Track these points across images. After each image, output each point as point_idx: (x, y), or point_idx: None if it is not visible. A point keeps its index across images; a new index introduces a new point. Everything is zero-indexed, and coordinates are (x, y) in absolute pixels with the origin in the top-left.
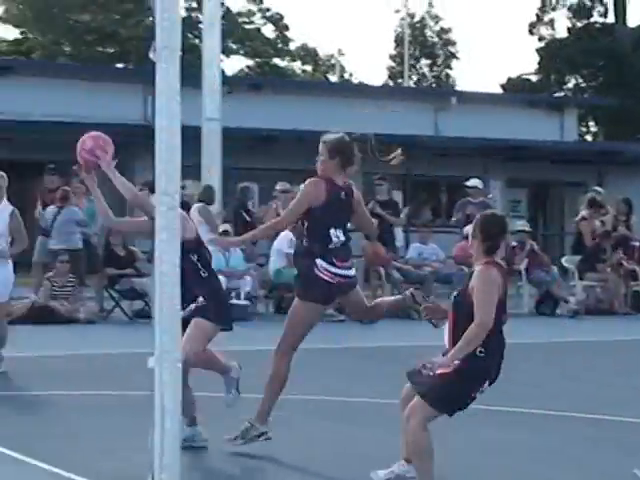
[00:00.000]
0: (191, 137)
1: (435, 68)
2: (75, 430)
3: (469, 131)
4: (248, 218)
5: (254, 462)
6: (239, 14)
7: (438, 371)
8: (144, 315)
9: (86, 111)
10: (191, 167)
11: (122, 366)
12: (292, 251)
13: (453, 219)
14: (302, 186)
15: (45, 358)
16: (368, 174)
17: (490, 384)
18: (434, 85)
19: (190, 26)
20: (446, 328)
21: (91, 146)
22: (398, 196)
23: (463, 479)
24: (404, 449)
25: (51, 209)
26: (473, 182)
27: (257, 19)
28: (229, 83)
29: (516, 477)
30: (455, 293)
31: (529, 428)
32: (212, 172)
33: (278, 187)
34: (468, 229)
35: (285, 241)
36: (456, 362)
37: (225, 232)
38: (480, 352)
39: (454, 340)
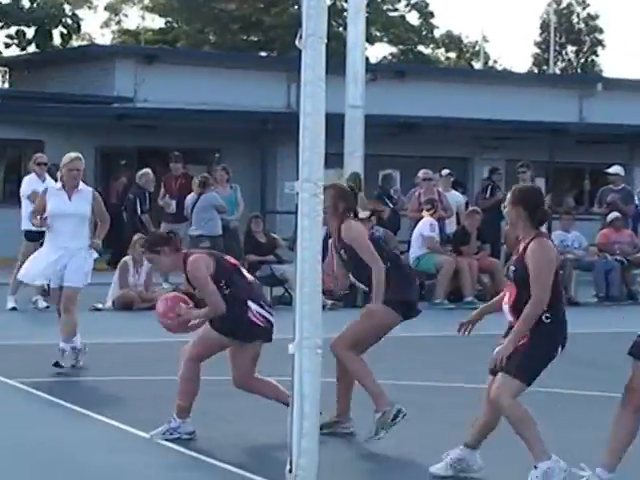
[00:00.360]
0: (334, 125)
1: (581, 55)
2: (215, 415)
3: (614, 118)
4: (391, 205)
5: (388, 448)
6: (384, 1)
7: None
8: (284, 302)
9: (230, 99)
10: (334, 155)
11: (263, 352)
12: (432, 235)
13: (595, 208)
14: (351, 234)
15: (185, 344)
16: (511, 161)
17: (562, 349)
18: (580, 72)
19: (335, 14)
20: (505, 302)
21: (163, 310)
22: (541, 183)
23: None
24: (470, 433)
25: (191, 196)
26: (614, 169)
27: (401, 6)
28: (373, 70)
29: None
30: (512, 267)
31: None
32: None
33: (421, 174)
34: (611, 216)
35: (427, 225)
36: (527, 334)
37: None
38: (547, 318)
39: (517, 310)
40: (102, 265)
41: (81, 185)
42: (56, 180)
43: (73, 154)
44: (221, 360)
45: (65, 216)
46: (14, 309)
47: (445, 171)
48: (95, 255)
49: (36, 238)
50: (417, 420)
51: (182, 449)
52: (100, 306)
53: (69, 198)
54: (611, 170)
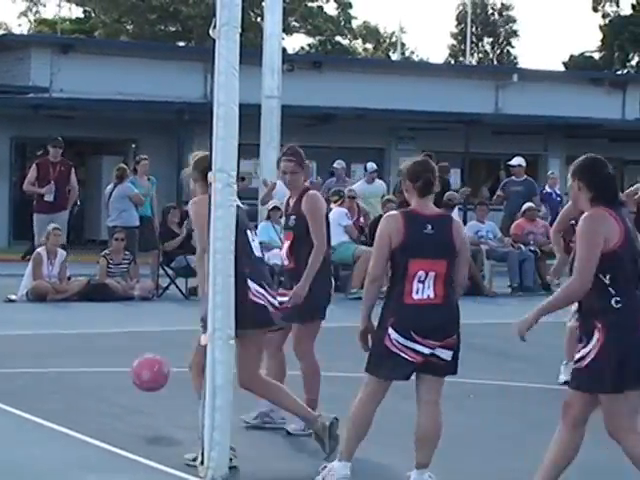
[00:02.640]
0: (250, 115)
1: (497, 46)
2: (126, 407)
3: (530, 109)
4: None
5: (299, 440)
6: None
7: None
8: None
9: (147, 89)
10: (250, 145)
11: (176, 343)
12: (350, 222)
13: (494, 197)
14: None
15: (100, 335)
16: (427, 152)
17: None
18: (496, 63)
19: (252, 4)
20: None
21: (149, 378)
22: (456, 174)
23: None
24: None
25: (110, 186)
26: (516, 160)
27: None
28: (290, 61)
29: None
30: None
31: None
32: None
33: (336, 165)
34: (525, 207)
35: (342, 215)
36: None
37: (276, 208)
38: None
39: None
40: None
41: None
42: None
43: None
44: (140, 350)
45: None
46: None
47: (370, 165)
48: None
49: None
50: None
51: (90, 440)
52: (13, 297)
53: None
54: (513, 162)
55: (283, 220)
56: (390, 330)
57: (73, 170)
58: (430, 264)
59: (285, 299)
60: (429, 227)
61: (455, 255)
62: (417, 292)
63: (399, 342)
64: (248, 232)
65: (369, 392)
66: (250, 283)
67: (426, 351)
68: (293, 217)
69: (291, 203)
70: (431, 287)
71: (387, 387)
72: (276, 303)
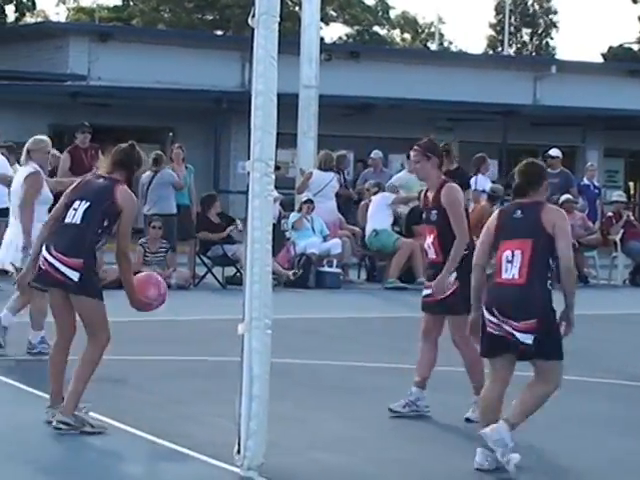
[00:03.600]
0: (288, 104)
1: (535, 37)
2: (164, 395)
3: (568, 100)
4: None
5: (337, 430)
6: None
7: None
8: (236, 282)
9: (184, 78)
10: (288, 135)
11: (213, 332)
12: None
13: None
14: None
15: (136, 323)
16: (465, 142)
17: None
18: (534, 54)
19: None
20: None
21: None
22: (494, 165)
23: (558, 449)
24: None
25: (146, 174)
26: (556, 152)
27: None
28: (327, 50)
29: (602, 448)
30: None
31: (615, 399)
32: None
33: (373, 155)
34: (563, 198)
35: (385, 197)
36: None
37: (308, 201)
38: None
39: None
40: None
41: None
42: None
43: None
44: (176, 339)
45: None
46: None
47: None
48: None
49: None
50: (366, 403)
51: (132, 430)
52: None
53: None
54: (553, 152)
55: (424, 214)
56: (484, 309)
57: (100, 152)
58: (516, 244)
59: (429, 291)
60: (519, 212)
61: (543, 235)
62: (506, 271)
63: (489, 320)
64: (75, 203)
65: (490, 374)
66: (43, 248)
67: (507, 328)
68: (434, 211)
69: (429, 196)
70: (517, 267)
71: (505, 367)
72: (58, 265)
